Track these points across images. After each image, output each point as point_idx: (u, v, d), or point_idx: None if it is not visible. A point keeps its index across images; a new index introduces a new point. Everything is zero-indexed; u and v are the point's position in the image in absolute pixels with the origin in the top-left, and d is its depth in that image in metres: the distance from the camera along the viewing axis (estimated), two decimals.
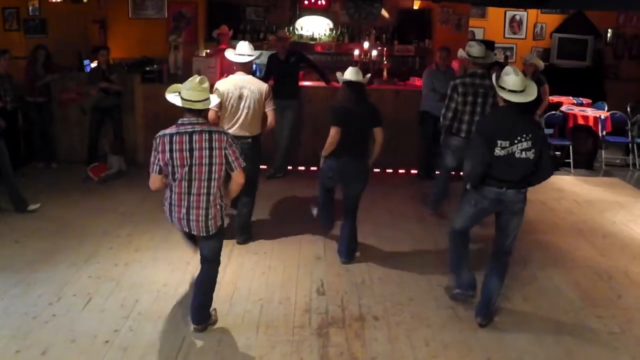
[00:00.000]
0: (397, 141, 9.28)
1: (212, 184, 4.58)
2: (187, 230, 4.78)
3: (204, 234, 4.74)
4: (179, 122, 4.56)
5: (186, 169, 4.50)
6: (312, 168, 6.57)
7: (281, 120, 9.10)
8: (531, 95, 4.89)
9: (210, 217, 4.66)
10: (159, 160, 4.53)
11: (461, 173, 7.13)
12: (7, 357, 4.55)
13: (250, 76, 6.60)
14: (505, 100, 4.90)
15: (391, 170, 9.78)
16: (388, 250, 6.75)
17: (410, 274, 6.15)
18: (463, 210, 5.34)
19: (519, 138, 4.78)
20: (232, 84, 6.41)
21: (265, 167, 9.31)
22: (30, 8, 11.14)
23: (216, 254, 4.94)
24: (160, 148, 4.50)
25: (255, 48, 11.47)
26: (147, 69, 9.60)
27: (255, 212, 7.51)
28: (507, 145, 4.79)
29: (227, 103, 6.35)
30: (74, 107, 9.54)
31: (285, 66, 9.09)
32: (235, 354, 4.70)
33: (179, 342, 4.80)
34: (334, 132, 5.95)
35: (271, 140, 9.13)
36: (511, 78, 4.84)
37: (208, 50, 10.81)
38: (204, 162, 4.50)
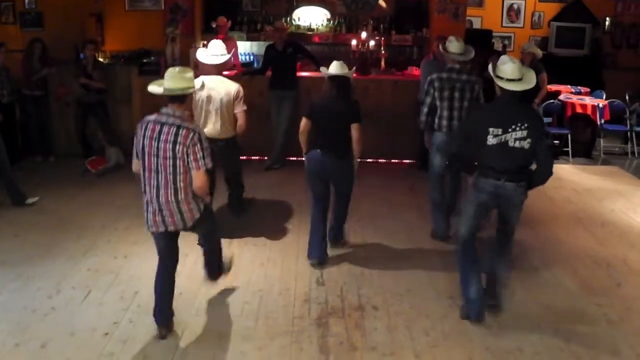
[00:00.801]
0: (395, 131, 9.28)
1: (178, 178, 4.49)
2: (162, 230, 4.66)
3: (182, 228, 4.69)
4: (160, 110, 4.56)
5: (153, 158, 4.49)
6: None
7: (279, 111, 9.10)
8: (530, 82, 4.85)
9: (184, 211, 4.59)
10: (135, 145, 4.58)
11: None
12: (6, 350, 4.55)
13: (220, 76, 6.46)
14: (502, 89, 4.83)
15: (388, 161, 9.77)
16: (387, 241, 6.75)
17: (409, 265, 6.15)
18: (464, 211, 5.17)
19: (513, 127, 4.73)
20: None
21: (263, 158, 9.34)
22: (26, 1, 11.07)
23: (211, 228, 5.04)
24: (137, 132, 4.55)
25: (253, 39, 11.65)
26: (145, 61, 9.58)
27: (253, 204, 7.54)
28: (500, 133, 4.75)
29: (197, 105, 6.27)
30: (71, 101, 9.51)
31: (283, 57, 9.06)
32: (235, 345, 4.70)
33: (178, 334, 4.81)
34: (303, 122, 5.99)
35: (269, 131, 9.14)
36: (508, 67, 4.79)
37: (205, 42, 10.77)
38: (167, 155, 4.44)
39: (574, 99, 10.79)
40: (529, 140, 4.73)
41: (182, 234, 4.89)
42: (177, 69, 4.63)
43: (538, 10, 14.07)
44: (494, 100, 5.04)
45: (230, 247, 6.35)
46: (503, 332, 4.97)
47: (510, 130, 4.73)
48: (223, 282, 5.58)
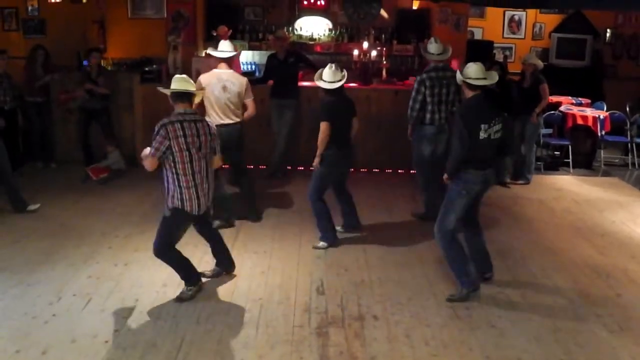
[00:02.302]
0: (397, 141, 9.28)
1: (209, 162, 5.42)
2: (204, 210, 5.43)
3: (207, 208, 5.51)
4: (179, 112, 5.24)
5: (195, 150, 5.21)
6: (311, 168, 6.61)
7: (280, 120, 9.12)
8: (492, 79, 5.56)
9: (211, 192, 5.49)
10: (165, 146, 5.10)
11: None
12: (7, 357, 4.55)
13: (231, 70, 7.17)
14: (474, 88, 5.46)
15: (390, 170, 9.79)
16: (387, 250, 6.75)
17: (409, 273, 6.16)
18: (453, 206, 5.55)
19: (494, 121, 5.37)
20: (215, 76, 6.99)
21: (264, 166, 9.36)
22: (29, 8, 11.15)
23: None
24: (171, 135, 5.10)
25: (255, 48, 11.69)
26: (146, 69, 9.61)
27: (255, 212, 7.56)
28: (487, 128, 5.34)
29: (211, 94, 6.90)
30: (73, 108, 9.52)
31: (285, 66, 9.09)
32: (235, 354, 4.70)
33: (178, 342, 4.80)
34: (325, 126, 6.39)
35: (270, 140, 9.15)
36: (472, 68, 5.49)
37: (207, 50, 10.80)
38: (207, 145, 5.31)
39: (575, 110, 10.81)
40: (501, 130, 5.45)
41: (182, 242, 4.95)
42: (181, 75, 5.43)
43: (539, 22, 14.12)
44: (470, 99, 5.55)
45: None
46: (503, 342, 4.97)
47: (492, 124, 5.38)
48: (223, 290, 5.59)
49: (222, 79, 6.96)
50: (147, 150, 5.23)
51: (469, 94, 5.54)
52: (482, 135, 5.32)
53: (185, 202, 5.24)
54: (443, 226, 5.57)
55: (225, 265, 5.96)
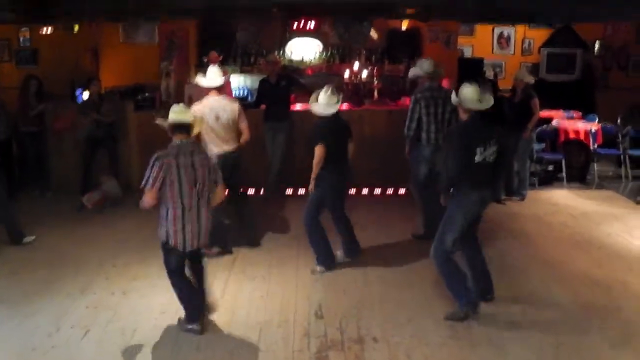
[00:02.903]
0: (391, 161, 9.31)
1: (208, 197, 5.20)
2: (190, 248, 5.15)
3: (203, 245, 5.32)
4: (176, 143, 5.08)
5: (192, 184, 5.02)
6: (307, 191, 6.62)
7: (273, 143, 9.15)
8: (488, 102, 5.47)
9: (204, 231, 5.22)
10: (159, 179, 4.93)
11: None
12: None
13: (223, 96, 7.10)
14: (469, 111, 5.44)
15: (386, 190, 9.80)
16: (385, 270, 6.74)
17: (408, 293, 6.15)
18: (452, 226, 5.51)
19: (489, 143, 5.36)
20: (207, 106, 6.87)
21: (259, 190, 9.36)
22: (21, 39, 11.20)
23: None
24: (166, 168, 4.93)
25: (246, 72, 11.74)
26: (140, 97, 9.64)
27: (253, 236, 7.54)
28: (483, 151, 5.33)
29: (205, 124, 6.66)
30: (68, 136, 9.52)
31: (276, 90, 9.13)
32: None
33: None
34: (320, 150, 6.39)
35: (264, 163, 9.17)
36: (470, 90, 5.42)
37: (195, 79, 10.84)
38: (205, 178, 5.10)
39: (567, 124, 10.85)
40: (496, 153, 5.42)
41: None
42: (179, 105, 5.24)
43: (528, 37, 14.25)
44: (466, 121, 5.55)
45: (228, 280, 6.36)
46: (504, 358, 4.96)
47: (488, 146, 5.36)
48: (222, 316, 5.58)
49: (214, 108, 6.87)
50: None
51: (463, 115, 5.54)
52: (478, 158, 5.32)
53: (170, 237, 5.07)
54: (440, 246, 5.55)
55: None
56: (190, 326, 5.31)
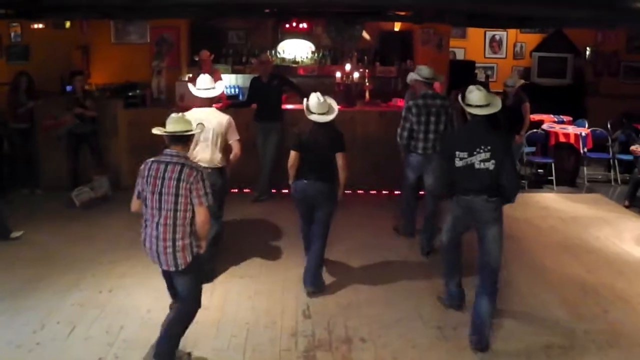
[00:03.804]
0: (383, 162, 9.32)
1: (178, 215, 4.57)
2: (156, 263, 4.74)
3: (173, 269, 4.66)
4: (163, 152, 4.71)
5: (156, 196, 4.59)
6: None
7: (264, 143, 9.13)
8: (496, 106, 5.29)
9: (177, 250, 4.59)
10: (138, 185, 4.71)
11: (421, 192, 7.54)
12: None
13: (212, 108, 6.58)
14: (471, 115, 5.27)
15: (375, 191, 9.80)
16: (374, 271, 6.75)
17: (396, 295, 6.15)
18: (446, 222, 5.67)
19: (477, 149, 5.09)
20: (192, 118, 5.98)
21: (250, 190, 9.34)
22: (12, 34, 11.14)
23: (190, 291, 4.79)
24: (141, 173, 4.69)
25: (238, 72, 11.71)
26: (130, 94, 9.59)
27: (240, 236, 7.54)
28: (466, 156, 5.13)
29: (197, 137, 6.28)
30: (55, 133, 9.48)
31: (268, 89, 9.11)
32: None
33: None
34: (292, 155, 6.19)
35: (255, 163, 9.14)
36: (475, 94, 5.24)
37: (190, 75, 10.82)
38: (171, 192, 4.55)
39: (557, 128, 10.90)
40: (492, 161, 5.07)
41: None
42: (179, 114, 4.89)
43: (520, 41, 14.28)
44: (464, 125, 5.54)
45: (216, 280, 6.34)
46: None
47: (475, 153, 5.10)
48: (210, 316, 5.55)
49: (199, 120, 5.91)
50: None
51: (469, 117, 5.37)
52: (458, 163, 5.15)
53: (142, 241, 4.80)
54: (442, 241, 5.80)
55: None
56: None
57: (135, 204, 4.82)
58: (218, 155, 6.39)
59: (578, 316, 5.79)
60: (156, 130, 4.76)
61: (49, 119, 9.25)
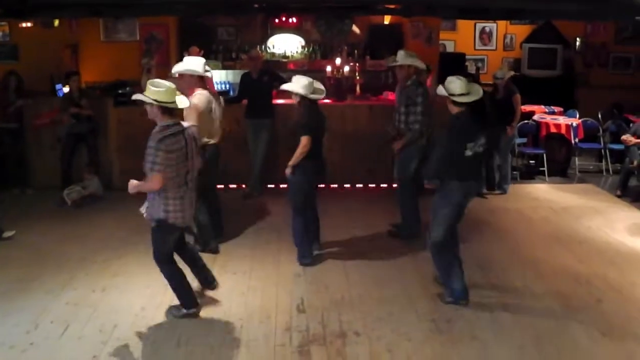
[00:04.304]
0: (372, 156, 9.31)
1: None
2: (181, 224, 5.25)
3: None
4: (168, 124, 4.99)
5: (187, 163, 5.09)
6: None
7: (256, 139, 9.10)
8: (477, 94, 5.48)
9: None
10: (167, 160, 4.90)
11: None
12: None
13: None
14: (460, 105, 5.44)
15: (367, 186, 9.80)
16: (367, 266, 6.74)
17: (390, 289, 6.15)
18: (444, 216, 5.58)
19: (478, 137, 5.43)
20: (207, 99, 6.68)
21: (241, 186, 9.34)
22: (0, 34, 11.07)
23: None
24: (170, 148, 4.90)
25: (228, 68, 11.69)
26: (120, 92, 9.55)
27: (233, 232, 7.53)
28: (473, 145, 5.40)
29: (210, 116, 6.73)
30: (48, 133, 9.42)
31: (258, 85, 9.08)
32: None
33: None
34: (306, 141, 6.28)
35: (246, 159, 9.13)
36: (456, 84, 5.42)
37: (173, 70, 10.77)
38: (194, 156, 5.20)
39: (548, 118, 10.93)
40: (485, 144, 5.52)
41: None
42: (167, 82, 5.13)
43: (510, 33, 14.29)
44: (458, 115, 5.51)
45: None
46: (485, 353, 4.98)
47: (477, 140, 5.42)
48: (203, 312, 5.55)
49: (211, 100, 6.79)
50: (135, 181, 5.08)
51: (453, 109, 5.52)
52: (468, 153, 5.39)
53: (169, 214, 5.11)
54: (432, 237, 5.68)
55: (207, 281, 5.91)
56: (187, 311, 5.44)
57: (161, 180, 4.95)
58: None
59: (571, 307, 5.81)
60: (140, 97, 5.03)
61: (40, 118, 9.21)
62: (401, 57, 7.20)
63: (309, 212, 6.78)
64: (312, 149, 6.34)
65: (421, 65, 7.27)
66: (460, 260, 5.80)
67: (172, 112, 5.07)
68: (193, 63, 6.77)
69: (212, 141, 6.80)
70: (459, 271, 5.73)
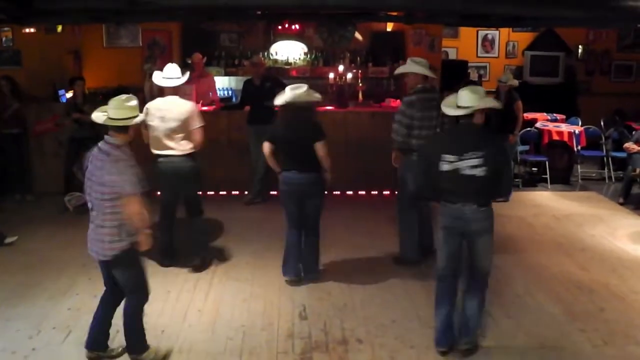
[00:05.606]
0: (374, 162, 9.30)
1: (104, 204, 4.58)
2: (94, 257, 4.76)
3: (102, 259, 4.75)
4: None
5: (90, 184, 4.60)
6: None
7: (258, 145, 9.06)
8: (471, 103, 4.73)
9: (105, 240, 4.65)
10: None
11: None
12: None
13: (174, 97, 6.59)
14: (456, 117, 4.87)
15: (367, 192, 9.80)
16: (369, 272, 6.73)
17: (392, 295, 6.14)
18: (439, 241, 5.08)
19: (467, 154, 4.67)
20: (154, 106, 6.54)
21: (243, 192, 9.33)
22: (3, 39, 11.08)
23: (130, 282, 4.83)
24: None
25: (231, 74, 11.69)
26: None
27: (235, 238, 7.54)
28: (454, 160, 4.69)
29: (151, 124, 6.50)
30: (49, 138, 9.43)
31: (261, 91, 9.06)
32: None
33: None
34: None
35: (248, 166, 9.13)
36: (460, 94, 4.80)
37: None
38: (99, 180, 4.53)
39: (551, 126, 10.93)
40: (485, 168, 4.65)
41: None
42: (123, 97, 4.66)
43: (512, 40, 14.29)
44: (453, 127, 5.15)
45: (212, 282, 6.32)
46: None
47: (464, 157, 4.67)
48: (206, 318, 5.54)
49: (160, 109, 6.50)
50: None
51: (447, 122, 5.26)
52: (445, 166, 4.72)
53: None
54: (436, 264, 5.15)
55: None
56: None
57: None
58: (183, 143, 6.53)
59: (573, 314, 5.80)
60: (97, 115, 4.72)
61: (43, 124, 9.21)
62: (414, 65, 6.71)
63: (294, 230, 6.44)
64: (283, 159, 6.22)
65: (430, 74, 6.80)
66: (452, 311, 5.10)
67: (119, 128, 4.68)
68: (165, 71, 6.70)
69: (167, 152, 6.53)
70: (445, 309, 5.07)
